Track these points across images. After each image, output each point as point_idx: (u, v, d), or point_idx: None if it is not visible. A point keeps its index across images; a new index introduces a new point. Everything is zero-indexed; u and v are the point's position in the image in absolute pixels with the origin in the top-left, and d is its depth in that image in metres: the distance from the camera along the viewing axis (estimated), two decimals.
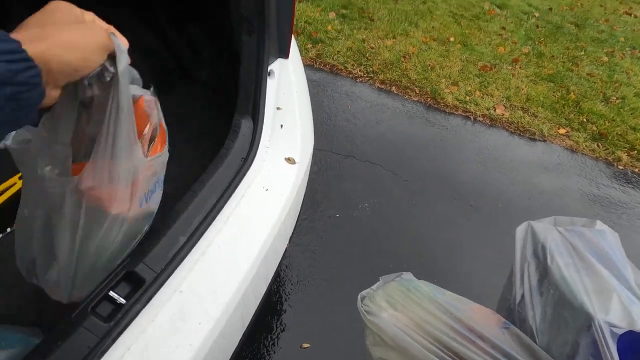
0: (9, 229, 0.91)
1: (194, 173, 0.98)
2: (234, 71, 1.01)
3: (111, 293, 0.56)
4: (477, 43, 3.40)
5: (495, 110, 2.67)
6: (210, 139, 1.16)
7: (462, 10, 3.98)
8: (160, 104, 1.27)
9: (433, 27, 3.52)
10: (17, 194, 0.98)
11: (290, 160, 0.89)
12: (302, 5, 3.46)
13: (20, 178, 1.00)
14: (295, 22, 3.15)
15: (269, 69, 0.88)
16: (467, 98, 2.72)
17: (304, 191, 1.04)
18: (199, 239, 0.68)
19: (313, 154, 2.09)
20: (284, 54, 0.93)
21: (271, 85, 0.90)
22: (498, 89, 2.86)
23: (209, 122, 1.23)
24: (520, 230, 0.75)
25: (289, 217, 0.87)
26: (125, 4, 1.28)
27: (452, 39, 3.38)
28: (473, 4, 4.16)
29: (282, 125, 0.92)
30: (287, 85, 0.95)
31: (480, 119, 2.60)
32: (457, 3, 4.10)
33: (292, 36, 0.95)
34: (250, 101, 0.88)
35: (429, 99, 2.68)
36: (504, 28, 3.74)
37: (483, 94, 2.79)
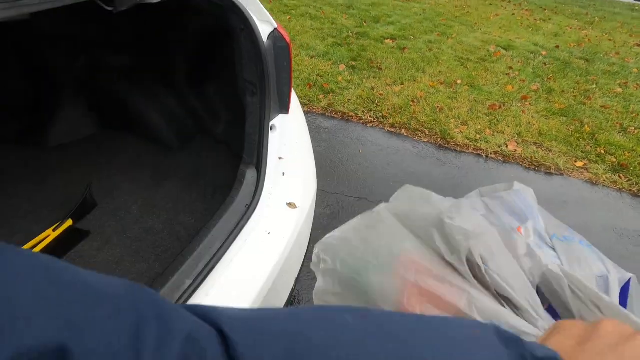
0: None
1: (207, 221, 1.06)
2: (243, 127, 1.13)
3: None
4: (485, 83, 3.50)
5: (507, 146, 2.68)
6: (224, 190, 1.26)
7: (467, 54, 4.15)
8: (181, 158, 1.41)
9: (440, 72, 3.68)
10: (49, 246, 1.08)
11: (291, 205, 0.95)
12: (314, 60, 3.74)
13: (54, 230, 1.12)
14: (307, 76, 3.39)
15: (271, 124, 0.98)
16: (478, 136, 2.76)
17: (309, 233, 1.09)
18: (202, 281, 0.74)
19: (325, 197, 2.15)
20: (285, 110, 1.03)
21: (273, 138, 0.99)
22: (509, 126, 2.90)
23: (224, 173, 1.34)
24: None
25: (292, 257, 0.91)
26: (151, 72, 1.47)
27: (459, 81, 3.51)
28: (478, 48, 4.34)
29: (284, 173, 1.00)
30: (288, 137, 1.05)
31: (493, 156, 2.62)
32: (462, 48, 4.30)
33: (292, 94, 1.06)
34: (255, 153, 0.97)
35: (439, 139, 2.75)
36: (510, 68, 3.85)
37: (493, 132, 2.83)
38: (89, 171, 1.35)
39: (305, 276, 1.46)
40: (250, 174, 0.94)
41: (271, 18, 0.96)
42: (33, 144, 1.42)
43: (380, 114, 2.96)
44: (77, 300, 0.18)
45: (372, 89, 3.30)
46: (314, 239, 1.84)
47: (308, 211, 1.01)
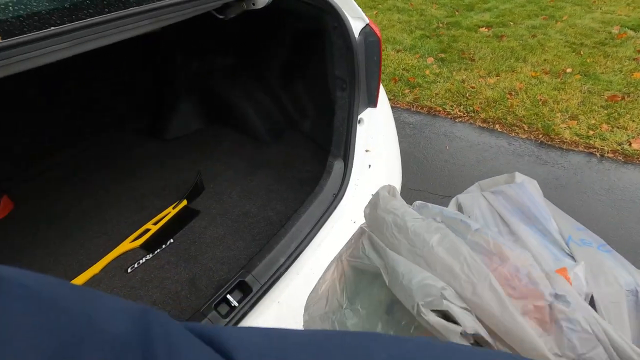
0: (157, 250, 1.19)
1: (295, 209, 1.15)
2: (330, 122, 1.18)
3: (228, 296, 0.72)
4: (603, 71, 3.01)
5: (630, 144, 2.29)
6: (310, 182, 1.35)
7: (581, 38, 3.61)
8: (272, 151, 1.53)
9: (545, 60, 3.28)
10: (169, 222, 1.29)
11: None
12: (400, 54, 3.66)
13: (174, 208, 1.33)
14: (392, 71, 3.34)
15: (359, 117, 1.01)
16: (591, 133, 2.40)
17: None
18: (294, 260, 0.81)
19: (409, 194, 2.11)
20: (373, 103, 1.05)
21: (361, 131, 1.02)
22: (634, 120, 2.46)
23: (310, 166, 1.42)
24: (451, 207, 0.69)
25: None
26: (249, 72, 1.63)
27: (569, 70, 3.08)
28: (596, 30, 3.74)
29: (370, 165, 1.02)
30: (375, 130, 1.07)
31: (610, 155, 2.25)
32: (575, 32, 3.75)
33: (380, 88, 1.07)
34: (342, 145, 1.01)
35: (541, 136, 2.46)
36: None
37: (612, 127, 2.43)
38: (197, 160, 1.57)
39: None
40: (338, 165, 0.99)
41: (363, 14, 0.98)
42: (155, 137, 1.70)
43: (471, 108, 2.78)
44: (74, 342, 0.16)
45: (463, 81, 3.10)
46: None
47: None
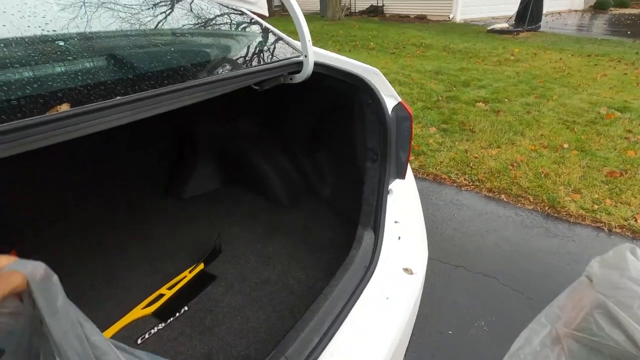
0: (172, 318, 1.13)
1: (317, 277, 1.11)
2: (351, 191, 1.20)
3: None
4: (598, 148, 3.17)
5: (636, 220, 2.32)
6: (330, 249, 1.32)
7: (573, 116, 3.86)
8: (290, 215, 1.52)
9: (542, 135, 3.46)
10: (184, 287, 1.23)
11: (408, 271, 0.95)
12: None
13: (190, 272, 1.28)
14: None
15: (388, 188, 1.03)
16: (596, 207, 2.45)
17: (419, 300, 1.06)
18: (329, 340, 0.76)
19: None
20: (402, 175, 1.08)
21: (390, 201, 1.03)
22: (636, 197, 2.52)
23: (329, 233, 1.41)
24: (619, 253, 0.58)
25: (407, 328, 0.89)
26: (272, 137, 1.68)
27: (565, 145, 3.24)
28: (586, 110, 4.01)
29: (399, 237, 1.01)
30: (403, 201, 1.08)
31: (617, 230, 2.27)
32: (566, 110, 4.02)
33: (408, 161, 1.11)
34: (372, 215, 1.01)
35: (547, 208, 2.50)
36: (629, 131, 3.45)
37: (616, 202, 2.48)
38: (214, 221, 1.55)
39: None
40: (368, 236, 0.98)
41: (395, 93, 1.05)
42: (173, 195, 1.70)
43: (476, 178, 2.85)
44: None
45: (466, 151, 3.22)
46: None
47: (422, 279, 0.99)
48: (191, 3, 1.12)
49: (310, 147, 1.57)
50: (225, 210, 1.60)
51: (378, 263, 0.94)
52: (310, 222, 1.48)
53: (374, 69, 1.02)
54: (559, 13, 14.81)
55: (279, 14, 19.90)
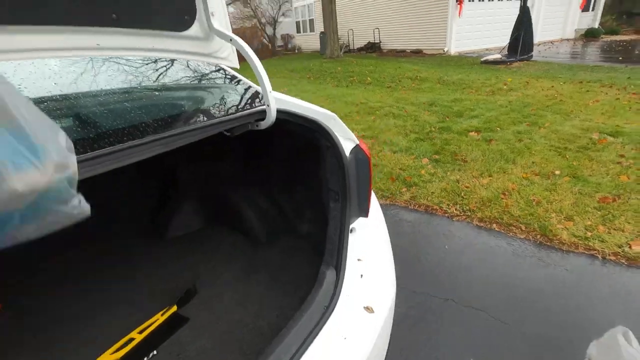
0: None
1: (289, 318, 1.11)
2: (325, 228, 1.22)
3: None
4: (591, 174, 3.17)
5: (630, 247, 2.27)
6: (305, 287, 1.32)
7: (565, 143, 3.89)
8: (269, 253, 1.53)
9: (533, 163, 3.48)
10: (156, 330, 1.24)
11: (369, 309, 0.95)
12: (397, 155, 3.91)
13: (162, 314, 1.29)
14: (389, 170, 3.52)
15: (350, 227, 1.06)
16: (589, 234, 2.42)
17: (388, 340, 1.05)
18: None
19: (409, 296, 2.04)
20: (365, 214, 1.11)
21: (352, 240, 1.06)
22: (629, 222, 2.49)
23: (306, 270, 1.42)
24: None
25: None
26: (249, 178, 1.74)
27: (557, 172, 3.24)
28: (578, 136, 4.04)
29: (362, 275, 1.03)
30: (367, 239, 1.10)
31: (612, 257, 2.23)
32: (558, 137, 4.06)
33: (371, 199, 1.14)
34: (335, 254, 1.04)
35: (539, 236, 2.47)
36: (622, 156, 3.45)
37: (609, 229, 2.45)
38: (193, 262, 1.57)
39: None
40: (330, 275, 1.00)
41: (353, 136, 1.11)
42: (156, 236, 1.74)
43: (467, 207, 2.85)
44: None
45: (457, 181, 3.25)
46: (397, 344, 1.71)
47: (386, 317, 0.99)
48: (159, 61, 1.21)
49: (286, 186, 1.62)
50: (206, 250, 1.63)
51: (338, 302, 0.95)
52: (287, 259, 1.50)
53: (332, 114, 1.08)
54: (551, 42, 15.26)
55: (282, 53, 20.87)
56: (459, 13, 12.28)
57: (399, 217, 2.84)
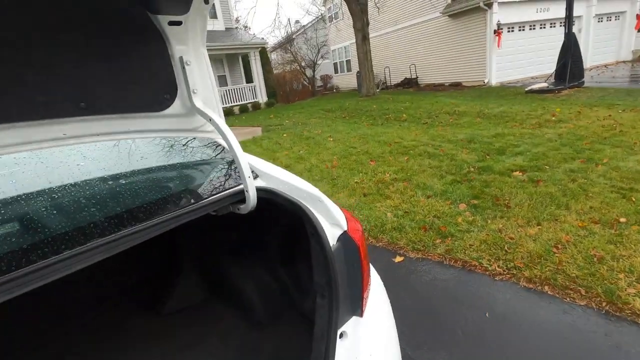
0: None
1: None
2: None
3: None
4: None
5: None
6: None
7: (630, 182, 3.39)
8: (266, 335, 1.38)
9: (591, 208, 3.03)
10: None
11: None
12: (431, 200, 3.64)
13: None
14: (422, 218, 3.25)
15: (341, 330, 0.88)
16: None
17: None
18: None
19: None
20: (358, 312, 0.92)
21: (342, 346, 0.87)
22: None
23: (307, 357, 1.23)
24: None
25: None
26: (248, 251, 1.62)
27: (622, 219, 2.78)
28: None
29: None
30: (363, 346, 0.91)
31: None
32: (620, 176, 3.56)
33: (367, 295, 0.96)
34: None
35: (604, 303, 2.06)
36: None
37: None
38: (188, 340, 1.45)
39: None
40: None
41: (342, 221, 0.95)
42: (153, 311, 1.65)
43: (512, 264, 2.49)
44: None
45: (500, 231, 2.89)
46: None
47: None
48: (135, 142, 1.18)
49: (287, 260, 1.48)
50: (201, 329, 1.50)
51: None
52: (284, 347, 1.32)
53: (318, 194, 0.95)
54: (604, 66, 14.23)
55: (321, 93, 21.59)
56: (498, 44, 11.97)
57: (432, 276, 2.55)
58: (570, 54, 8.91)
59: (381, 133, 7.07)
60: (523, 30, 12.82)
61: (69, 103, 0.85)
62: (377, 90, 14.53)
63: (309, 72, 24.19)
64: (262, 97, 16.35)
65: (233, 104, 15.45)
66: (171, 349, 1.42)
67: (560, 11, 9.77)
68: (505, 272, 2.45)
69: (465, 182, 3.96)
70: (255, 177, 1.11)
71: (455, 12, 12.85)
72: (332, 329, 0.86)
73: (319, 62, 23.93)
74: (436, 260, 2.72)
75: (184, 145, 1.20)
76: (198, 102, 1.06)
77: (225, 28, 16.06)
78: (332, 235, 0.91)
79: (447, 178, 4.16)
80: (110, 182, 0.98)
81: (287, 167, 5.49)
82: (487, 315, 2.12)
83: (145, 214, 0.85)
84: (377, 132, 7.19)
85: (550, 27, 13.02)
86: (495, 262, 2.55)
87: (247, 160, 0.96)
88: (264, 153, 6.65)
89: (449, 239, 2.92)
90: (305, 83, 24.08)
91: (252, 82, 16.24)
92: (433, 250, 2.82)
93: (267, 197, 0.99)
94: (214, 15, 15.53)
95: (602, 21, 14.10)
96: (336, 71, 22.27)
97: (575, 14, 9.76)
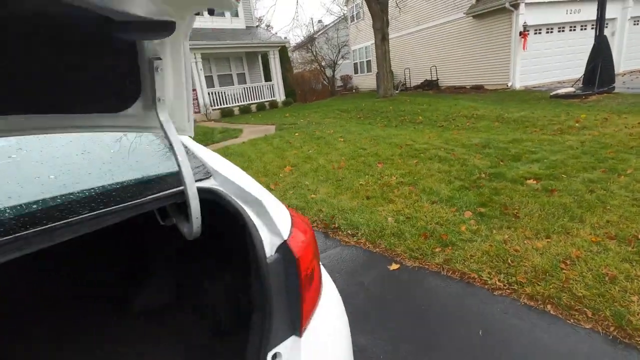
0: None
1: None
2: None
3: None
4: None
5: None
6: None
7: None
8: (233, 339, 1.29)
9: (608, 222, 2.80)
10: None
11: None
12: (435, 206, 3.48)
13: None
14: (423, 225, 3.10)
15: (275, 350, 0.78)
16: None
17: None
18: None
19: None
20: (296, 331, 0.82)
21: None
22: None
23: None
24: None
25: None
26: (214, 259, 1.54)
27: None
28: None
29: None
30: None
31: None
32: None
33: (308, 313, 0.85)
34: None
35: (612, 328, 1.87)
36: None
37: None
38: (158, 341, 1.40)
39: None
40: None
41: (282, 231, 0.86)
42: (122, 310, 1.61)
43: (514, 279, 2.32)
44: None
45: (504, 242, 2.72)
46: None
47: None
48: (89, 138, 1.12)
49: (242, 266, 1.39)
50: (171, 330, 1.44)
51: None
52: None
53: (260, 197, 0.86)
54: (639, 71, 13.44)
55: (340, 93, 21.44)
56: (524, 46, 11.50)
57: (426, 286, 2.41)
58: (600, 58, 8.43)
59: (394, 135, 6.90)
60: (551, 32, 12.26)
61: (35, 101, 0.79)
62: (396, 91, 14.27)
63: (328, 72, 24.07)
64: (280, 96, 16.39)
65: (251, 101, 15.55)
66: (140, 349, 1.37)
67: (592, 13, 9.26)
68: (505, 287, 2.28)
69: (474, 189, 3.77)
70: (209, 176, 1.03)
71: (480, 12, 12.44)
72: (262, 349, 0.77)
73: (339, 62, 23.79)
74: (433, 270, 2.57)
75: (135, 139, 1.14)
76: (162, 115, 0.95)
77: (246, 26, 16.18)
78: (271, 244, 0.82)
79: (456, 184, 3.98)
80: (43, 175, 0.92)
81: (294, 166, 5.42)
82: (480, 333, 1.97)
83: (66, 211, 0.79)
84: (390, 134, 7.02)
85: (581, 29, 12.40)
86: (496, 276, 2.39)
87: (191, 175, 0.87)
88: (272, 152, 6.61)
89: (450, 248, 2.76)
90: (325, 83, 23.98)
91: (271, 80, 16.30)
92: (431, 259, 2.68)
93: (211, 198, 0.91)
94: (235, 14, 15.69)
95: (638, 24, 13.32)
96: (356, 71, 22.08)
97: (608, 16, 9.25)
